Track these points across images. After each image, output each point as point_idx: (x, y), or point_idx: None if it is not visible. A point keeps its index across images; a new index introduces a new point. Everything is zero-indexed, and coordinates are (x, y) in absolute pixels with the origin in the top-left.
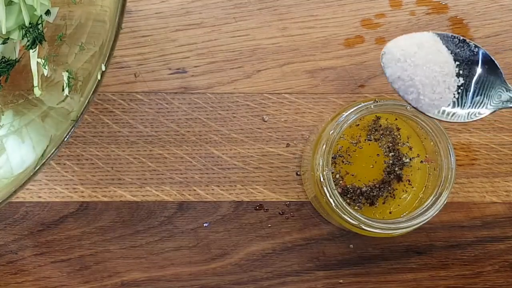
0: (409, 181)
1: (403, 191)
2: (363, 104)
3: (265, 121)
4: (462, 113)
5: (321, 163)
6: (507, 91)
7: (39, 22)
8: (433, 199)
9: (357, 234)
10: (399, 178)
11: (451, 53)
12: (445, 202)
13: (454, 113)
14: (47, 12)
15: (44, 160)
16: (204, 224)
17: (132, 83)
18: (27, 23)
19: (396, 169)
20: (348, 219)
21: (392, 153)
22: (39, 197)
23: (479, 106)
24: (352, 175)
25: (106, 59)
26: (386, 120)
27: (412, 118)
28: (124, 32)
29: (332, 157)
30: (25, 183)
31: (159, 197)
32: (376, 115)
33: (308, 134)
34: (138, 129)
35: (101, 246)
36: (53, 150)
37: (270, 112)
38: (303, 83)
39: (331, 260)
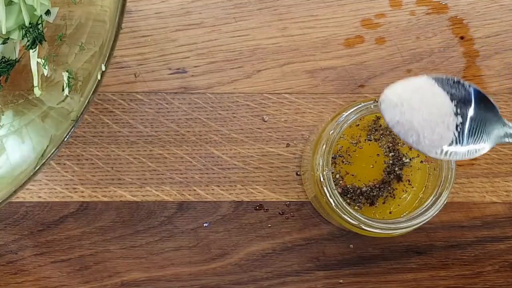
0: (409, 181)
1: (403, 191)
2: (363, 104)
3: (265, 121)
4: (462, 150)
5: (321, 163)
6: (503, 126)
7: (39, 22)
8: (433, 199)
9: (357, 234)
10: (399, 178)
11: (448, 94)
12: (445, 202)
13: (455, 152)
14: (47, 12)
15: (44, 160)
16: (204, 224)
17: (132, 83)
18: (27, 23)
19: (396, 169)
20: (348, 219)
21: (392, 153)
22: (39, 197)
23: (478, 142)
24: (352, 175)
25: (106, 59)
26: None
27: None
28: (124, 32)
29: (332, 157)
30: (25, 183)
31: (159, 197)
32: (376, 115)
33: (308, 134)
34: (138, 129)
35: (101, 246)
36: (53, 150)
37: (270, 112)
38: (303, 83)
39: (331, 260)
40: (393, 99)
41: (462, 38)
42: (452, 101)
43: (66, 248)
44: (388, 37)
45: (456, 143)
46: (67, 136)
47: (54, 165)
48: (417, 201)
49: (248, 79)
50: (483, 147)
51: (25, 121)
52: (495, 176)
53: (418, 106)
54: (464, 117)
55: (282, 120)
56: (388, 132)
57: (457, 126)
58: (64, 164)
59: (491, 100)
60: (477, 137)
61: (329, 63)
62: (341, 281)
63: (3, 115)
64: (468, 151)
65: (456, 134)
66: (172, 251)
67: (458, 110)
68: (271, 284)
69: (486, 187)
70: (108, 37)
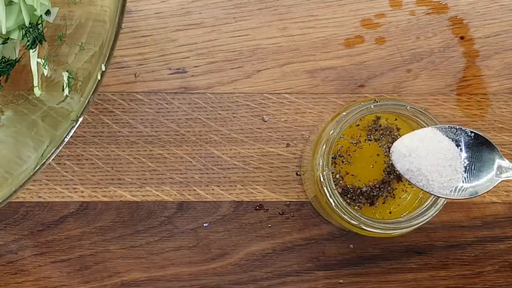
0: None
1: (403, 191)
2: (363, 104)
3: (265, 121)
4: (470, 189)
5: (321, 163)
6: (505, 164)
7: (39, 22)
8: (433, 199)
9: (357, 234)
10: (399, 178)
11: (452, 140)
12: (445, 202)
13: (464, 190)
14: (47, 12)
15: (44, 160)
16: (204, 224)
17: (132, 83)
18: (27, 23)
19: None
20: (348, 219)
21: None
22: (39, 197)
23: (484, 181)
24: (352, 175)
25: (106, 59)
26: (386, 120)
27: (412, 118)
28: (124, 32)
29: (332, 157)
30: (25, 183)
31: (159, 197)
32: (376, 115)
33: (308, 134)
34: (138, 129)
35: (101, 246)
36: (53, 150)
37: (270, 112)
38: (303, 83)
39: (331, 260)
40: (402, 150)
41: (462, 38)
42: (457, 146)
43: (66, 248)
44: (388, 37)
45: (466, 182)
46: (67, 136)
47: (54, 165)
48: (417, 201)
49: (248, 79)
50: (489, 184)
51: (25, 121)
52: None
53: (424, 154)
54: (470, 159)
55: (282, 120)
56: (388, 132)
57: (464, 168)
58: (64, 164)
59: (492, 142)
60: (483, 176)
61: (329, 63)
62: (341, 281)
63: (3, 115)
64: (475, 189)
65: (464, 175)
66: (172, 251)
67: (465, 154)
68: (271, 284)
69: None
70: (108, 37)
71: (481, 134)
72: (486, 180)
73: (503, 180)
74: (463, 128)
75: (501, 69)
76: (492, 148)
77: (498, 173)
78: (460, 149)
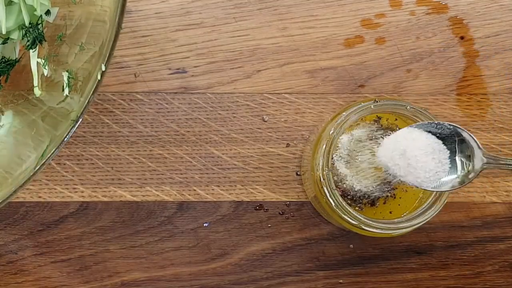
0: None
1: (403, 191)
2: (363, 104)
3: (265, 121)
4: (457, 179)
5: (321, 163)
6: (484, 154)
7: (39, 22)
8: (433, 199)
9: (357, 234)
10: None
11: (434, 134)
12: (445, 202)
13: (450, 181)
14: (47, 12)
15: (44, 160)
16: (204, 224)
17: (132, 83)
18: (27, 23)
19: None
20: (348, 219)
21: None
22: (39, 197)
23: (468, 171)
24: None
25: (106, 59)
26: (386, 120)
27: (412, 118)
28: (124, 32)
29: (332, 157)
30: (25, 183)
31: (159, 197)
32: (376, 115)
33: (308, 134)
34: (138, 129)
35: (101, 246)
36: (53, 150)
37: (270, 112)
38: (303, 83)
39: (331, 260)
40: (386, 154)
41: (462, 38)
42: (440, 139)
43: (66, 248)
44: (388, 37)
45: (451, 174)
46: (67, 136)
47: (54, 165)
48: (417, 201)
49: (248, 79)
50: (473, 173)
51: (25, 121)
52: (495, 176)
53: (407, 153)
54: (453, 150)
55: (282, 120)
56: (388, 132)
57: (449, 158)
58: (64, 164)
59: (469, 133)
60: (467, 165)
61: (329, 63)
62: (341, 281)
63: (3, 115)
64: (460, 179)
65: (450, 165)
66: (172, 251)
67: (447, 146)
68: (271, 284)
69: (486, 187)
70: (108, 37)
71: (459, 127)
72: (469, 171)
73: (484, 169)
74: (442, 123)
75: (501, 69)
76: (472, 139)
77: (480, 162)
78: (443, 142)
